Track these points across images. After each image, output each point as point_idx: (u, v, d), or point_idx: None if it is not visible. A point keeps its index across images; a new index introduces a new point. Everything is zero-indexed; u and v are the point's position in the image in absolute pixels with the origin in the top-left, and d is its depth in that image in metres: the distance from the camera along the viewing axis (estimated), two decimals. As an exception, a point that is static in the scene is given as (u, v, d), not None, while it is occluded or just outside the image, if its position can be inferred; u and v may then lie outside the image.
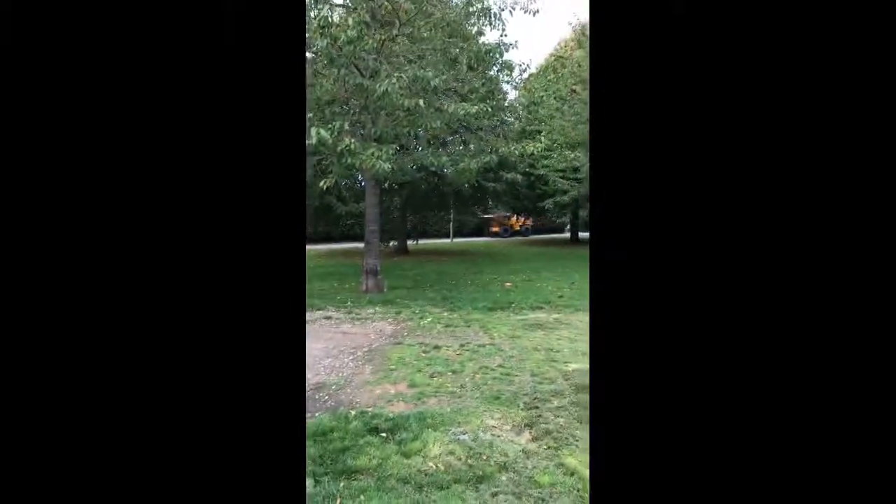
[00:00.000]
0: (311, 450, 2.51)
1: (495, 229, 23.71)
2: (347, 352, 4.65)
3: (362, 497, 2.10)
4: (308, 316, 6.50)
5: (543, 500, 2.10)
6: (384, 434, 2.74)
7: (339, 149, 6.42)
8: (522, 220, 24.11)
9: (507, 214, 23.33)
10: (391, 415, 3.03)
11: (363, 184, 11.36)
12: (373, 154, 6.48)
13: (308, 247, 17.05)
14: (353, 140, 6.44)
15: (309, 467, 2.34)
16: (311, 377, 3.87)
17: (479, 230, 24.51)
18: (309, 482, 2.21)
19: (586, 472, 2.32)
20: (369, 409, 3.14)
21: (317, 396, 3.44)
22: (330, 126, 6.09)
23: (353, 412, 3.09)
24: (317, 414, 3.10)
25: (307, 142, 5.78)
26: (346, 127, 6.40)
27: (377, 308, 6.99)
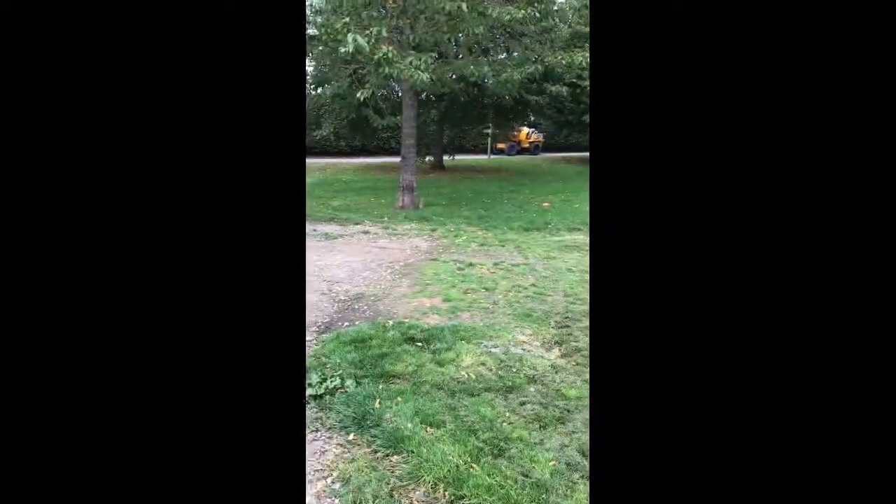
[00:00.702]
0: (351, 354, 2.70)
1: (500, 146, 20.39)
2: (385, 265, 4.81)
3: (399, 399, 2.28)
4: (345, 230, 6.68)
5: (569, 410, 2.22)
6: (420, 343, 2.90)
7: (376, 57, 6.15)
8: (533, 135, 21.00)
9: (516, 129, 20.09)
10: (426, 326, 3.19)
11: (400, 95, 10.97)
12: (411, 63, 6.19)
13: (344, 160, 17.11)
14: (390, 48, 6.14)
15: (350, 370, 2.54)
16: (351, 288, 4.06)
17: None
18: (350, 383, 2.40)
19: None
20: (406, 320, 3.30)
21: (356, 307, 3.63)
22: (367, 32, 5.78)
23: (390, 322, 3.26)
24: (356, 322, 3.29)
25: (344, 49, 5.55)
26: (384, 34, 6.06)
27: (413, 224, 7.07)
